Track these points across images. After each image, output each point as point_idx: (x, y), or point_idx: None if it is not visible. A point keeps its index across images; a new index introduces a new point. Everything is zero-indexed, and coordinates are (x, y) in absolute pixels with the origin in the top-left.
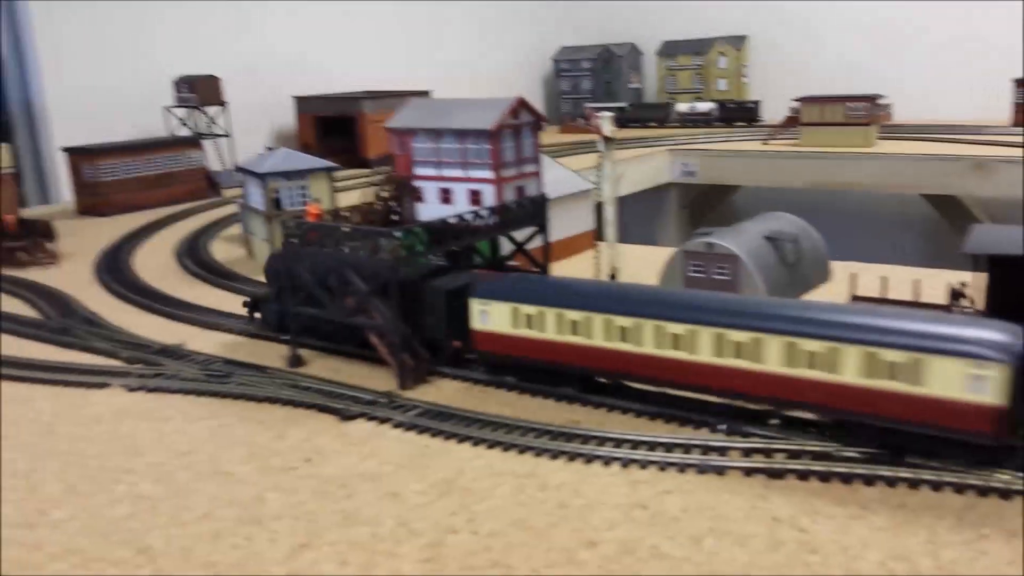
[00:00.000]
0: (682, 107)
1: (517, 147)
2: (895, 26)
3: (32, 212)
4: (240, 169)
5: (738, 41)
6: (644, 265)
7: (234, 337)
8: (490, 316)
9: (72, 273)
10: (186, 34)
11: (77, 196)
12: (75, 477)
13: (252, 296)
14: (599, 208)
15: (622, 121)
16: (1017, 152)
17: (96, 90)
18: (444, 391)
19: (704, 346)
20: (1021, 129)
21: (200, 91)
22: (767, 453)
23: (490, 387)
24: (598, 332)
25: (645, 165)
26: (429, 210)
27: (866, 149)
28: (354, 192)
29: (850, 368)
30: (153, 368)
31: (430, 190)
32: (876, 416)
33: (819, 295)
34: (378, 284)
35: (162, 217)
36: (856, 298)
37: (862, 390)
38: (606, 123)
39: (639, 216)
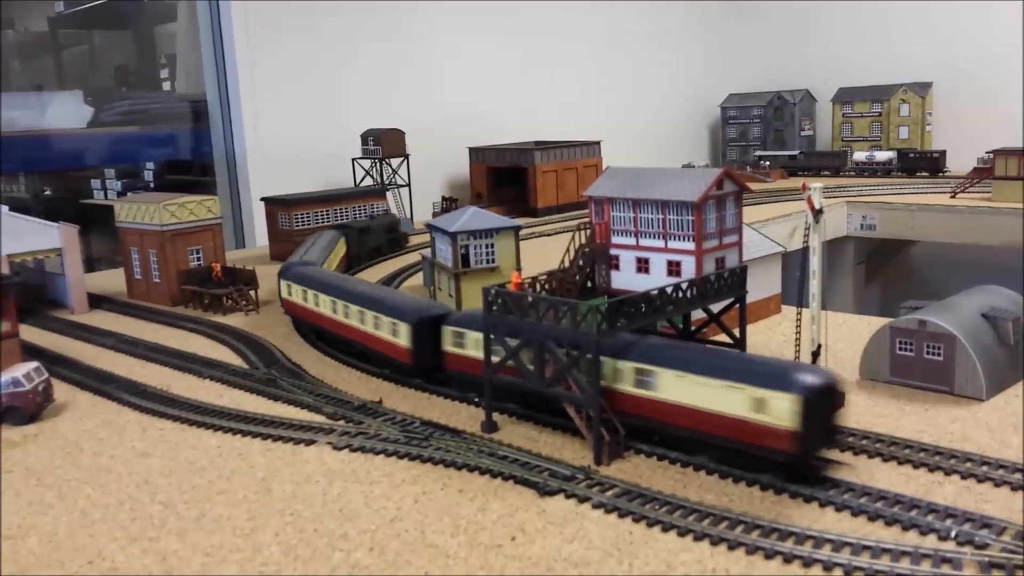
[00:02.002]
0: (859, 156)
1: (720, 218)
2: None
3: (229, 256)
4: (429, 226)
5: (922, 88)
6: (840, 335)
7: (427, 396)
8: None
9: (271, 319)
10: (371, 90)
11: (271, 242)
12: (294, 540)
13: None
14: (802, 273)
15: (793, 169)
16: None
17: (290, 143)
18: (640, 468)
19: None
20: None
21: (385, 144)
22: (1009, 571)
23: (688, 467)
24: None
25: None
26: (624, 279)
27: None
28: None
29: None
30: (355, 426)
31: (626, 259)
32: None
33: None
34: (578, 356)
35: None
36: None
37: None
38: (816, 195)
39: None
